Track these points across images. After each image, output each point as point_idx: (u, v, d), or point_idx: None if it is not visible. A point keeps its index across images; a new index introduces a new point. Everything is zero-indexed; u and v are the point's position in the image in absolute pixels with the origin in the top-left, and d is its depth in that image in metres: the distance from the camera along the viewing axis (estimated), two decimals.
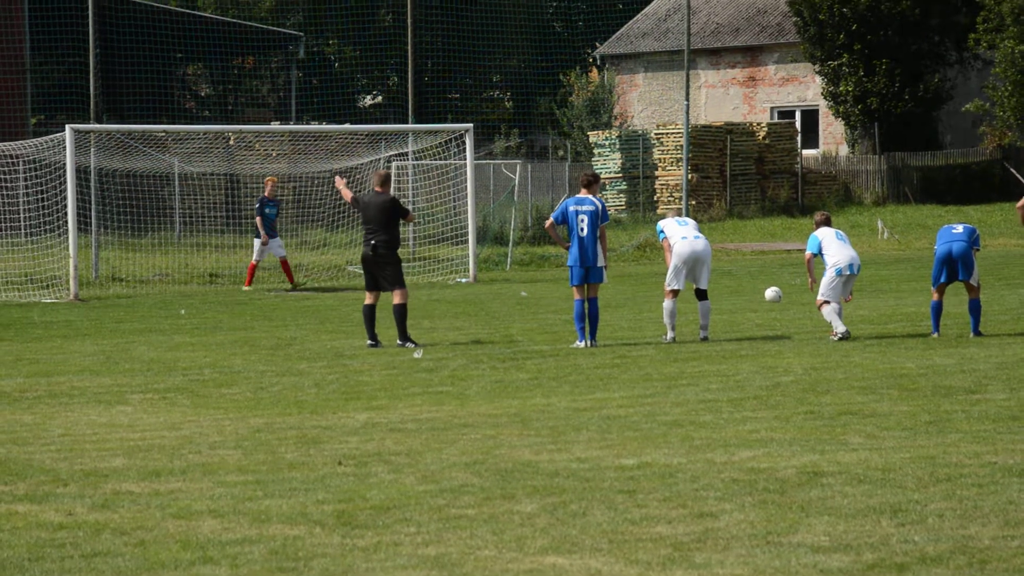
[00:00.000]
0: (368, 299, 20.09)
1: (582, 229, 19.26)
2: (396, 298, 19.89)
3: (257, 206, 32.45)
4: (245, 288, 32.17)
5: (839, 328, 19.35)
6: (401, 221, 20.19)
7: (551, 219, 19.76)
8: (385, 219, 19.89)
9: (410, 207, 34.85)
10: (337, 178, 21.51)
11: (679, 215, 21.15)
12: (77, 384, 16.76)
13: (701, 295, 19.98)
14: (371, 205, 20.01)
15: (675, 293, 19.78)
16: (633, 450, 11.73)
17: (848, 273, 19.63)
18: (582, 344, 19.25)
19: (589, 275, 19.34)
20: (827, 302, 19.52)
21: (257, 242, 32.17)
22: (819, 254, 19.88)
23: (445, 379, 16.63)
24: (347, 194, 20.72)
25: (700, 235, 20.17)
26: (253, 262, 32.45)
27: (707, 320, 19.97)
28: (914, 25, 51.43)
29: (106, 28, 47.94)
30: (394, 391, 15.71)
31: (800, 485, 10.20)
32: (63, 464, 11.59)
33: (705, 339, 19.75)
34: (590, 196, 19.56)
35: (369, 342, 19.99)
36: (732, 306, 25.14)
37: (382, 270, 19.92)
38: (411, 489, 10.37)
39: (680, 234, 19.96)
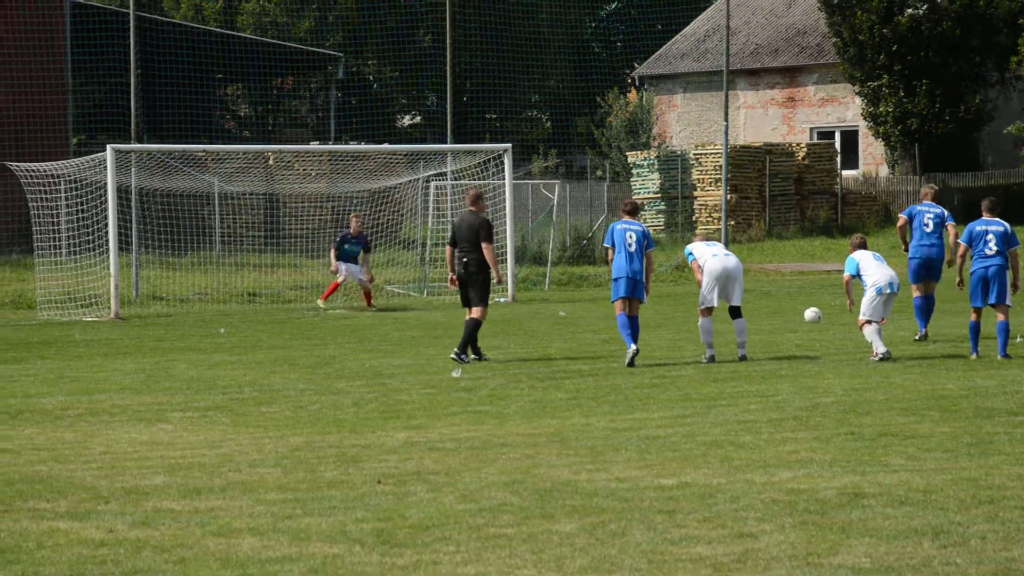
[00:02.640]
0: (469, 315, 20.51)
1: (630, 245, 19.54)
2: (474, 313, 20.39)
3: (338, 240, 32.29)
4: (319, 302, 32.16)
5: (879, 349, 19.28)
6: (482, 244, 20.36)
7: (605, 245, 20.08)
8: (475, 238, 20.38)
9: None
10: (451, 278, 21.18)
11: (707, 239, 21.15)
12: (118, 402, 16.83)
13: (735, 313, 19.97)
14: (463, 224, 20.56)
15: (709, 311, 19.83)
16: (672, 470, 11.70)
17: (888, 292, 19.57)
18: (634, 347, 19.28)
19: (635, 289, 19.44)
20: (869, 322, 19.46)
21: (343, 268, 32.05)
22: (857, 275, 19.83)
23: (484, 398, 16.63)
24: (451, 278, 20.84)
25: (730, 253, 20.28)
26: (339, 281, 32.32)
27: (744, 338, 19.94)
28: (955, 46, 51.24)
29: (147, 49, 48.20)
30: (433, 410, 15.72)
31: (841, 506, 10.15)
32: (104, 481, 11.63)
33: (743, 358, 19.71)
34: (635, 221, 19.94)
35: (473, 356, 20.38)
36: (771, 327, 25.06)
37: (471, 287, 20.38)
38: (450, 508, 10.36)
39: (710, 252, 20.04)
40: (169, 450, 13.25)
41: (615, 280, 19.68)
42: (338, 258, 32.06)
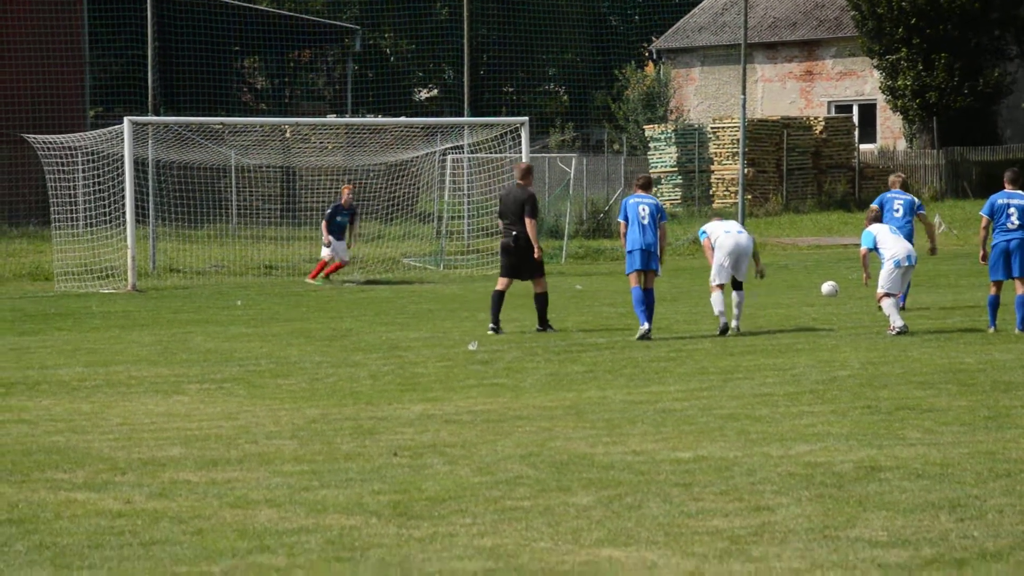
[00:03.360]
0: (500, 285, 20.60)
1: (643, 217, 19.69)
2: (537, 287, 20.47)
3: (329, 211, 32.03)
4: (309, 280, 32.07)
5: (897, 323, 19.24)
6: (526, 218, 20.39)
7: (619, 220, 20.17)
8: (521, 212, 20.42)
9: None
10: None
11: (722, 218, 21.18)
12: (135, 374, 16.86)
13: (738, 286, 20.09)
14: (510, 197, 20.61)
15: (720, 287, 19.94)
16: (689, 443, 11.69)
17: (907, 264, 19.55)
18: (646, 326, 19.37)
19: (649, 260, 19.52)
20: (888, 295, 19.42)
21: (328, 248, 31.85)
22: (874, 249, 19.78)
23: (500, 371, 16.63)
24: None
25: (743, 230, 20.39)
26: (324, 259, 32.18)
27: (740, 311, 20.08)
28: (974, 19, 51.02)
29: (164, 21, 48.15)
30: (449, 383, 15.73)
31: (857, 480, 10.14)
32: (121, 453, 11.66)
33: (737, 329, 19.77)
34: (648, 194, 20.08)
35: (491, 327, 20.46)
36: (789, 300, 25.03)
37: (525, 261, 20.41)
38: (466, 480, 10.37)
39: (723, 228, 20.20)
40: (186, 422, 13.27)
41: (629, 252, 19.80)
42: (330, 231, 31.84)
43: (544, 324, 20.54)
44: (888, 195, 22.90)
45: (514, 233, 20.44)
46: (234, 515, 9.38)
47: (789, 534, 8.67)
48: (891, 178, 23.91)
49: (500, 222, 20.98)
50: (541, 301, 20.54)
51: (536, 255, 20.49)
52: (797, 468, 10.57)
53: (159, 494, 10.04)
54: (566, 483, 10.22)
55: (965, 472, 10.33)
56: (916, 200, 23.13)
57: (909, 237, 22.04)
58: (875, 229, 20.02)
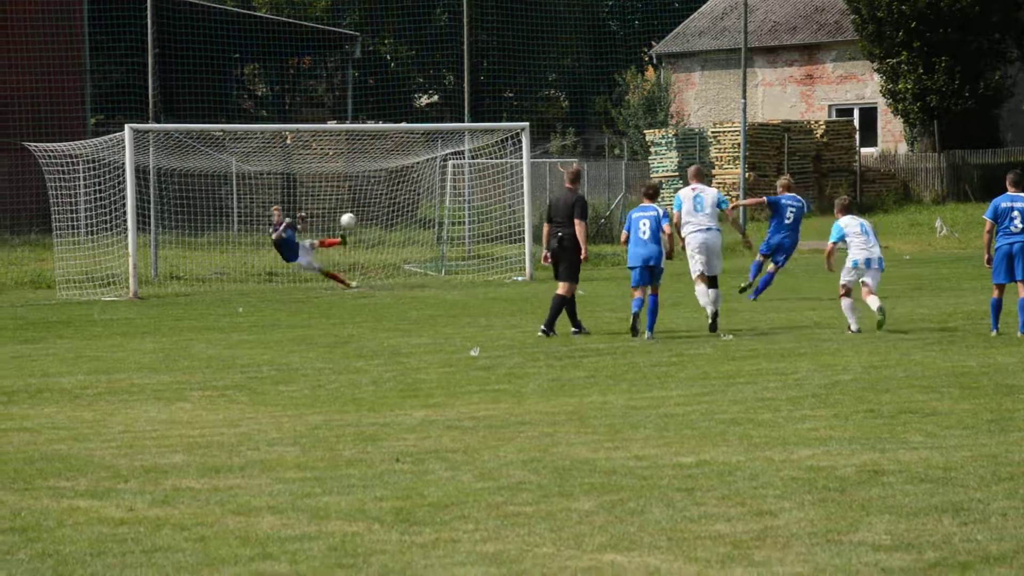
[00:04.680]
0: (560, 290, 20.72)
1: (643, 232, 20.05)
2: (560, 289, 20.65)
3: (285, 236, 31.77)
4: (353, 285, 32.07)
5: (853, 326, 19.73)
6: (576, 221, 20.59)
7: (624, 232, 20.57)
8: (571, 213, 20.61)
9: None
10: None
11: (700, 178, 21.53)
12: (137, 381, 16.85)
13: (711, 283, 20.61)
14: (560, 201, 20.87)
15: (702, 277, 20.54)
16: (691, 448, 11.69)
17: (864, 268, 19.99)
18: (649, 335, 19.75)
19: (651, 275, 20.02)
20: (847, 293, 19.89)
21: (308, 254, 31.83)
22: (841, 241, 20.19)
23: (502, 377, 16.63)
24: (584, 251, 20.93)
25: (713, 225, 20.91)
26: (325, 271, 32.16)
27: (717, 307, 20.51)
28: (974, 22, 51.02)
29: (164, 28, 48.17)
30: (451, 389, 15.72)
31: (860, 484, 10.13)
32: (123, 460, 11.65)
33: (715, 315, 20.39)
34: (653, 204, 20.41)
35: (573, 330, 20.64)
36: (790, 304, 25.02)
37: (565, 260, 20.59)
38: (469, 486, 10.36)
39: (694, 224, 20.80)
40: (188, 429, 13.27)
41: (631, 268, 20.22)
42: (286, 251, 31.74)
43: (550, 327, 20.57)
44: (784, 200, 25.10)
45: (559, 234, 20.62)
46: (236, 522, 9.37)
47: (792, 539, 8.66)
48: (781, 181, 25.69)
49: (546, 226, 21.08)
50: (558, 302, 20.60)
51: (583, 256, 20.70)
52: (800, 472, 10.56)
53: (161, 501, 10.03)
54: (568, 488, 10.21)
55: (968, 476, 10.32)
56: (805, 201, 24.69)
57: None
58: (845, 222, 20.28)
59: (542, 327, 20.63)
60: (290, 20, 60.54)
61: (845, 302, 19.97)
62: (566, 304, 20.66)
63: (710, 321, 20.50)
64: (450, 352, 19.19)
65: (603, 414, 13.63)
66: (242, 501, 9.99)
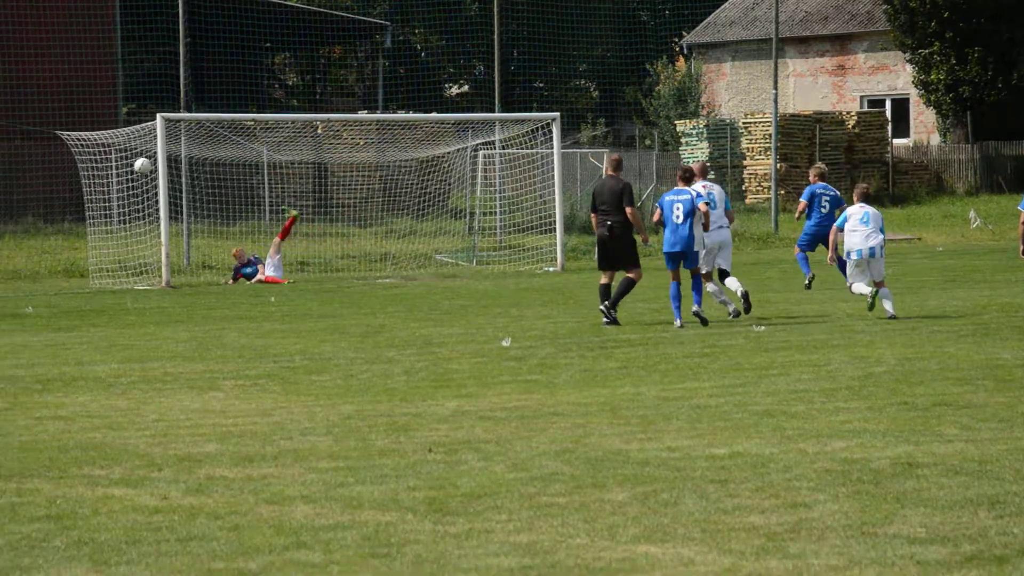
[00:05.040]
0: (603, 279, 20.77)
1: (677, 216, 20.14)
2: (632, 274, 20.69)
3: (246, 271, 32.07)
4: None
5: (865, 288, 20.30)
6: (626, 208, 20.67)
7: (657, 210, 20.75)
8: (617, 202, 20.66)
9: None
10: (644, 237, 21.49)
11: (705, 175, 21.67)
12: (170, 370, 16.91)
13: (724, 275, 21.13)
14: (605, 189, 20.86)
15: (707, 276, 20.84)
16: (724, 440, 11.67)
17: (857, 258, 20.38)
18: (679, 324, 19.92)
19: (685, 260, 20.18)
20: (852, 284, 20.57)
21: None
22: (841, 230, 20.70)
23: (534, 367, 16.63)
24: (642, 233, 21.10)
25: (724, 224, 21.15)
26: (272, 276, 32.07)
27: (723, 297, 20.93)
28: (1007, 12, 50.75)
29: (195, 18, 48.28)
30: (483, 379, 15.72)
31: (895, 476, 10.10)
32: (157, 449, 11.69)
33: (704, 306, 20.70)
34: (687, 188, 20.44)
35: (605, 320, 20.54)
36: (822, 295, 24.95)
37: (620, 250, 20.62)
38: (501, 477, 10.36)
39: (713, 222, 20.86)
40: (221, 418, 13.30)
41: (664, 253, 20.24)
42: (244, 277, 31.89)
43: (614, 306, 20.53)
44: (817, 189, 24.36)
45: (609, 223, 20.63)
46: (270, 511, 9.39)
47: (826, 531, 8.64)
48: (812, 170, 25.45)
49: (593, 216, 21.12)
50: (627, 284, 20.63)
51: (644, 241, 20.93)
52: (833, 464, 10.53)
53: (195, 490, 10.06)
54: (601, 479, 10.20)
55: (1004, 468, 10.27)
56: (837, 192, 24.77)
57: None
58: (851, 211, 20.71)
59: (604, 304, 20.44)
60: (321, 9, 60.59)
61: (855, 286, 20.65)
62: (605, 293, 20.65)
63: (743, 303, 20.86)
64: (482, 342, 19.20)
65: (636, 405, 13.62)
66: (275, 490, 10.01)
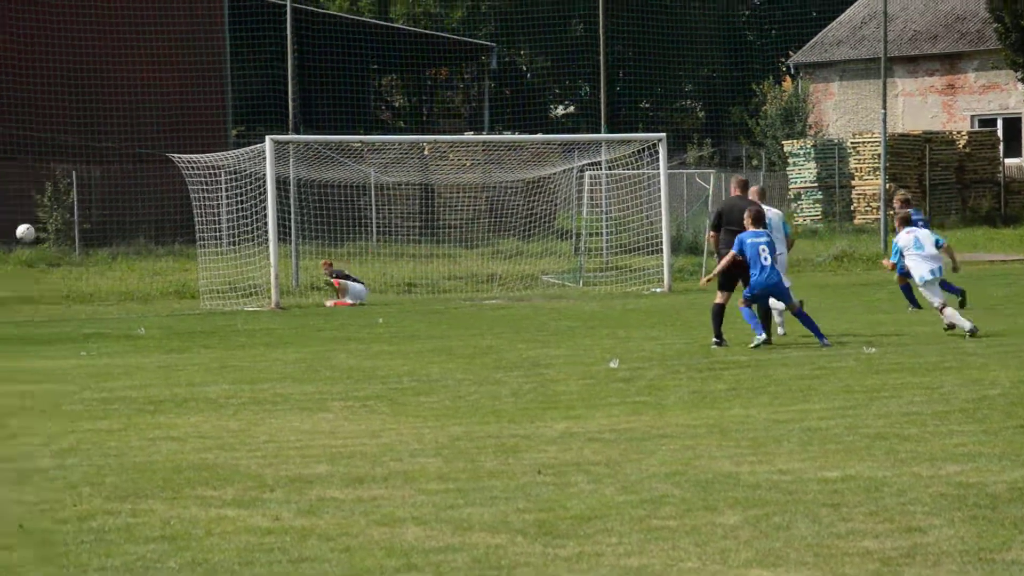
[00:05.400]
0: (719, 299, 20.75)
1: (766, 259, 20.15)
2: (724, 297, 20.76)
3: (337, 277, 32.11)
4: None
5: (967, 324, 20.42)
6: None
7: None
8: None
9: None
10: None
11: (763, 199, 21.78)
12: (280, 391, 17.03)
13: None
14: (735, 209, 20.87)
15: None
16: (836, 462, 11.55)
17: (934, 278, 20.87)
18: (762, 336, 20.21)
19: (779, 297, 20.37)
20: (943, 307, 20.79)
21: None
22: (900, 259, 21.14)
23: (642, 389, 16.56)
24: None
25: (781, 251, 21.19)
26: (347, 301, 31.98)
27: (781, 318, 21.19)
28: None
29: (303, 40, 48.75)
30: (591, 401, 15.69)
31: (1012, 501, 9.94)
32: (269, 470, 11.76)
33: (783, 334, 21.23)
34: (763, 230, 20.45)
35: (715, 340, 20.54)
36: (934, 317, 24.64)
37: (742, 271, 20.61)
38: (611, 499, 10.32)
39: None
40: (331, 439, 13.37)
41: (755, 293, 20.21)
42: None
43: (767, 332, 20.66)
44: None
45: None
46: (381, 533, 9.42)
47: (942, 556, 8.52)
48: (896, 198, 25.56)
49: (714, 235, 21.09)
50: (766, 311, 20.80)
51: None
52: (948, 488, 10.39)
53: (307, 511, 10.11)
54: (712, 502, 10.13)
55: None
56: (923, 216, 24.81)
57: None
58: (902, 242, 21.14)
59: (762, 341, 20.41)
60: (427, 31, 60.96)
61: (947, 313, 20.75)
62: (717, 313, 20.58)
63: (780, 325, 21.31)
64: (589, 364, 19.16)
65: (746, 427, 13.52)
66: (386, 512, 10.04)
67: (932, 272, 20.78)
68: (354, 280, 32.16)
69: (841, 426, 13.41)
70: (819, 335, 20.09)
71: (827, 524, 9.40)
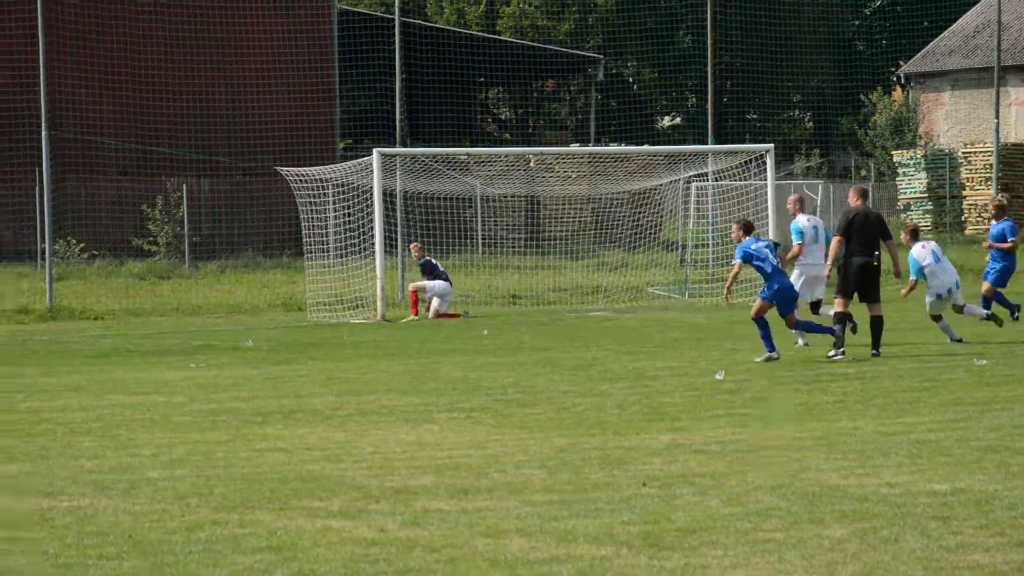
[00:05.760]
0: (841, 307, 20.80)
1: (775, 263, 20.46)
2: (877, 310, 20.75)
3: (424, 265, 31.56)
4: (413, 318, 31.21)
5: (954, 336, 21.25)
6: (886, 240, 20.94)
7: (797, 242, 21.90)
8: (880, 233, 20.85)
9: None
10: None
11: (804, 208, 21.91)
12: (385, 403, 17.10)
13: (816, 307, 22.05)
14: (869, 219, 20.94)
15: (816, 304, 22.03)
16: (946, 475, 11.40)
17: (947, 296, 21.35)
18: (774, 355, 20.29)
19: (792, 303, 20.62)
20: (938, 318, 21.41)
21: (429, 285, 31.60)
22: (920, 275, 21.25)
23: (748, 401, 16.46)
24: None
25: (820, 262, 21.76)
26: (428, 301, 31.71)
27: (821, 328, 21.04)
28: None
29: (411, 54, 49.01)
30: (697, 413, 15.61)
31: None
32: (374, 481, 11.81)
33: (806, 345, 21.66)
34: (764, 238, 21.58)
35: (839, 352, 20.42)
36: None
37: (873, 282, 20.71)
38: (717, 511, 10.26)
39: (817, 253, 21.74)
40: (436, 450, 13.40)
41: (793, 297, 20.67)
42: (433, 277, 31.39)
43: (878, 348, 20.59)
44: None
45: (876, 253, 20.74)
46: (486, 544, 9.42)
47: None
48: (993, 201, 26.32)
49: (840, 239, 20.93)
50: (878, 324, 20.68)
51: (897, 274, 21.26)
52: None
53: (412, 523, 10.14)
54: (819, 515, 10.04)
55: None
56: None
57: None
58: (919, 254, 21.42)
59: (872, 351, 20.48)
60: (534, 44, 61.05)
61: (941, 324, 21.43)
62: (844, 321, 20.60)
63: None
64: (695, 375, 19.07)
65: (853, 440, 13.39)
66: (491, 523, 10.04)
67: (950, 290, 21.26)
68: (439, 274, 31.64)
69: (951, 439, 13.24)
70: (824, 330, 20.31)
71: (936, 538, 9.28)
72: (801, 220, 22.15)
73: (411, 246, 33.12)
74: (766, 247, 20.26)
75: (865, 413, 15.19)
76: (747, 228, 20.46)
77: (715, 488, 11.15)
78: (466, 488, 11.39)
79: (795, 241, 21.96)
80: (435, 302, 31.36)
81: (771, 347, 20.16)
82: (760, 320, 20.18)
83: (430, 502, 10.85)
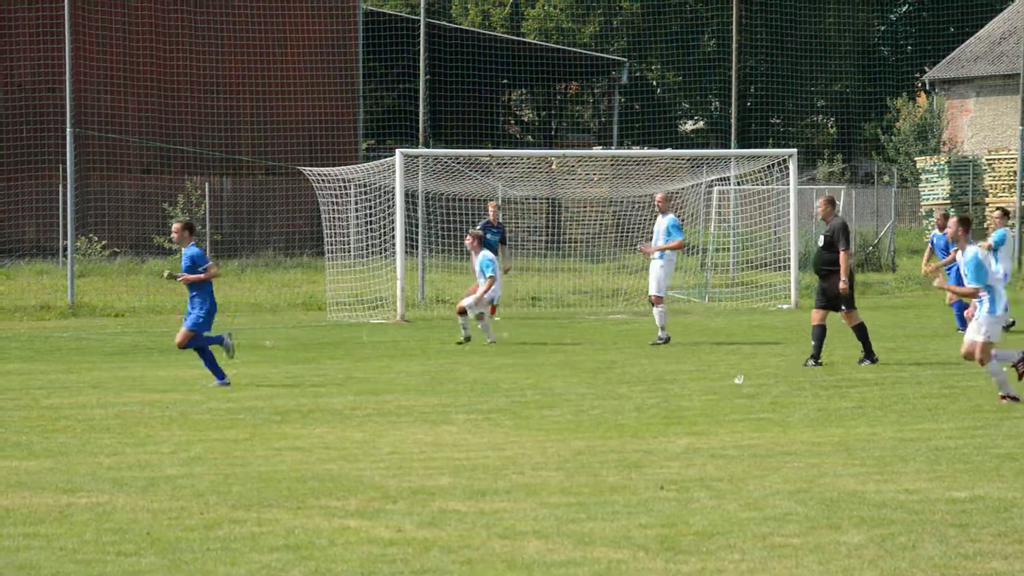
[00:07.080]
0: (820, 319, 20.85)
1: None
2: (856, 319, 20.72)
3: (480, 228, 30.55)
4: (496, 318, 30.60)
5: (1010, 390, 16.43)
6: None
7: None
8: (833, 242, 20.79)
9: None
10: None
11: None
12: (404, 403, 17.12)
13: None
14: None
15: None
16: (964, 483, 11.37)
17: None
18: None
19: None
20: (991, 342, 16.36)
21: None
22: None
23: (767, 406, 16.44)
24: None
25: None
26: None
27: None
28: None
29: (435, 55, 49.04)
30: (715, 417, 15.60)
31: None
32: (392, 481, 11.82)
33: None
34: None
35: (868, 359, 20.50)
36: None
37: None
38: (734, 516, 10.25)
39: None
40: (454, 451, 13.41)
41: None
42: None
43: (870, 354, 20.66)
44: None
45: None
46: (502, 546, 9.42)
47: None
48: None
49: (848, 252, 20.97)
50: (862, 332, 20.68)
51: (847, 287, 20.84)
52: None
53: (429, 523, 10.15)
54: (836, 521, 10.03)
55: None
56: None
57: None
58: (985, 258, 16.50)
59: (868, 360, 20.49)
60: (558, 46, 61.05)
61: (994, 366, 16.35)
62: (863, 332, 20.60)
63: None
64: (714, 379, 19.06)
65: (871, 446, 13.36)
66: (508, 524, 10.04)
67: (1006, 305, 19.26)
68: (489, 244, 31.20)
69: (970, 446, 13.21)
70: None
71: (954, 545, 9.25)
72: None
73: (491, 204, 32.22)
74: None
75: (884, 419, 15.17)
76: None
77: (732, 492, 11.14)
78: (483, 489, 11.39)
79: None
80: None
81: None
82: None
83: (447, 503, 10.86)
